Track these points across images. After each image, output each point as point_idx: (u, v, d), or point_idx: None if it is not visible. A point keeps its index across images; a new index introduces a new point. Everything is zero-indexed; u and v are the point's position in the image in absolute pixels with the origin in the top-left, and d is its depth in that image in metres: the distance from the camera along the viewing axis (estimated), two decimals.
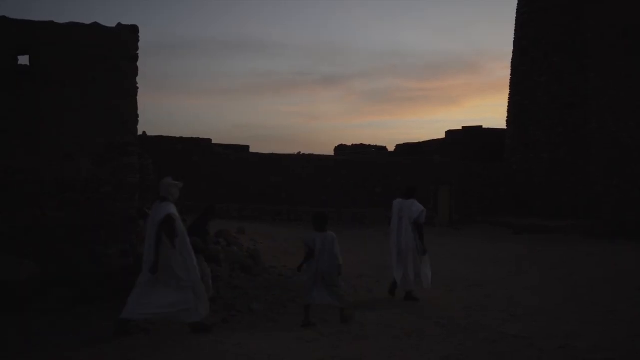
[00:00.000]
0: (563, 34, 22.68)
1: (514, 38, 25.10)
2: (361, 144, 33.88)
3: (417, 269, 9.06)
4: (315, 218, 7.68)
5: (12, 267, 7.46)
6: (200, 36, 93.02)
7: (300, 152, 25.45)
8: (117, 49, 8.76)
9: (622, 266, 12.38)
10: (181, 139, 21.59)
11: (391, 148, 32.68)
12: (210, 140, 22.07)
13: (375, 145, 33.85)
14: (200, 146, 21.64)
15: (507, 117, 25.37)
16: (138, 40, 8.98)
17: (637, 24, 19.72)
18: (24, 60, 8.49)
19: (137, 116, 9.00)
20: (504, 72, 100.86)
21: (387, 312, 8.15)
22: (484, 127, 27.64)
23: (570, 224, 19.75)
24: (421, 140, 30.08)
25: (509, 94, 25.29)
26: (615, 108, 19.94)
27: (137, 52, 8.96)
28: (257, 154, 23.10)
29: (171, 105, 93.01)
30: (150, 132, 21.41)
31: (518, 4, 25.11)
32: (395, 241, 9.17)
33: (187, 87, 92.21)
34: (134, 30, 8.92)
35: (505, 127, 25.76)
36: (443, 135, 28.24)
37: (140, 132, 9.86)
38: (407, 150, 29.72)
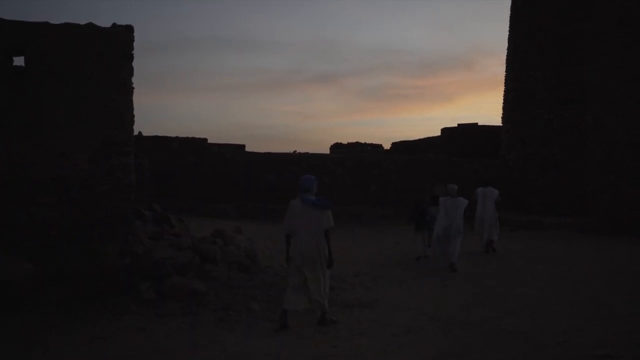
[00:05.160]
0: (560, 27, 22.56)
1: (509, 33, 25.06)
2: (357, 142, 33.92)
3: (492, 232, 14.21)
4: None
5: (9, 265, 7.44)
6: (194, 35, 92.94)
7: (295, 151, 25.46)
8: (113, 48, 8.75)
9: (618, 262, 12.41)
10: (176, 138, 21.55)
11: (387, 146, 32.75)
12: (205, 139, 22.02)
13: (371, 144, 33.89)
14: (195, 145, 21.59)
15: (503, 113, 25.36)
16: (133, 40, 8.97)
17: (637, 12, 19.55)
18: (19, 61, 8.46)
19: (133, 115, 8.99)
20: (499, 69, 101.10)
21: (385, 309, 8.17)
22: (479, 124, 27.67)
23: (566, 220, 19.79)
24: (417, 138, 30.13)
25: (504, 90, 25.28)
26: (612, 103, 19.89)
27: (133, 51, 8.95)
28: (252, 153, 23.08)
29: (167, 104, 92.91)
30: (146, 132, 21.39)
31: None
32: (481, 215, 14.36)
33: (182, 86, 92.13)
34: (129, 30, 8.91)
35: (500, 125, 25.78)
36: (438, 133, 28.27)
37: (136, 132, 9.84)
38: (403, 148, 29.74)
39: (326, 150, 34.77)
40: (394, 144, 31.32)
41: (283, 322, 6.93)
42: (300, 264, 7.10)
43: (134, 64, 8.96)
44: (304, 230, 7.12)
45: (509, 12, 25.12)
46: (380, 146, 33.46)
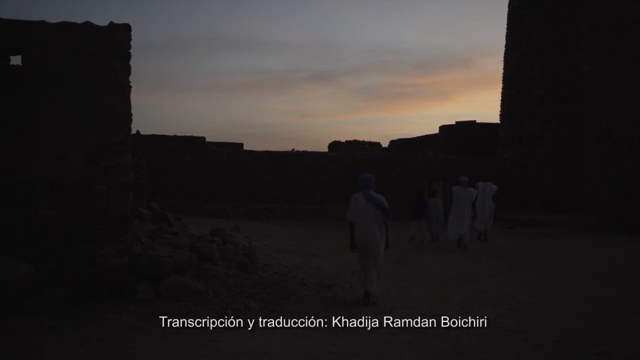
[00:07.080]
0: (556, 28, 22.68)
1: (506, 32, 25.11)
2: (355, 140, 33.89)
3: (488, 222, 16.34)
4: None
5: (5, 267, 7.42)
6: (192, 35, 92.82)
7: (294, 150, 25.43)
8: (110, 47, 8.71)
9: (615, 260, 12.44)
10: (174, 137, 21.52)
11: (385, 144, 32.76)
12: (203, 138, 22.01)
13: (369, 142, 33.87)
14: (193, 144, 21.57)
15: (500, 111, 25.41)
16: (130, 39, 8.93)
17: (630, 15, 19.67)
18: (16, 60, 8.42)
19: (131, 115, 8.95)
20: (497, 67, 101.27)
21: (383, 307, 8.17)
22: (477, 122, 27.69)
23: (563, 218, 19.83)
24: (415, 136, 30.15)
25: (502, 89, 25.33)
26: (608, 102, 19.96)
27: (130, 50, 8.90)
28: (250, 151, 23.07)
29: (165, 103, 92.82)
30: (144, 131, 21.38)
31: None
32: (481, 206, 15.91)
33: (180, 85, 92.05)
34: (126, 28, 8.86)
35: (498, 122, 25.81)
36: (436, 131, 28.29)
37: (133, 131, 9.79)
38: (401, 146, 29.77)
39: (324, 148, 34.76)
40: (392, 142, 31.34)
41: (366, 301, 8.30)
42: (365, 249, 8.42)
43: (132, 63, 8.91)
44: (368, 220, 8.39)
45: (507, 12, 25.17)
46: (378, 144, 33.44)
